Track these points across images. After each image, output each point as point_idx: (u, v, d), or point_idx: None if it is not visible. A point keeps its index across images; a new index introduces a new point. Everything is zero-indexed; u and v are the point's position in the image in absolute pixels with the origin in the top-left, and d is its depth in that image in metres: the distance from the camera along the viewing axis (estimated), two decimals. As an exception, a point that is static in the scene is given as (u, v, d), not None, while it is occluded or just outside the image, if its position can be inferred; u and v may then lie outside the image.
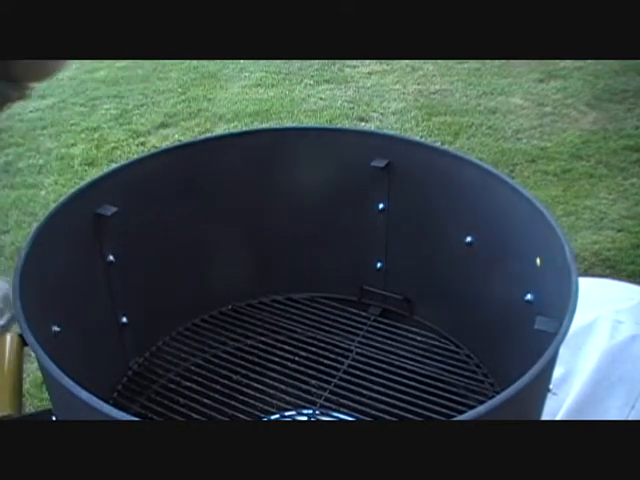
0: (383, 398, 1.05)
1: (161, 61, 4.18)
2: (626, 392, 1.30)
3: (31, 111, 3.62)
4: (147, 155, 1.17)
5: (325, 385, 1.10)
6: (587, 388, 1.32)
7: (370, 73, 3.98)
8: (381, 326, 1.25)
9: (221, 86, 3.87)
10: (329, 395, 1.08)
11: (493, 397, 0.68)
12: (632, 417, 1.28)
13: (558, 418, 1.31)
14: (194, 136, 3.22)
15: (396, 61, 4.08)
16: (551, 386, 0.84)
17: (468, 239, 1.14)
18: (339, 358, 1.16)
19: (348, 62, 4.11)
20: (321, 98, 3.66)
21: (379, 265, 1.29)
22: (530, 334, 0.85)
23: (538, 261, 0.97)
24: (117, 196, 1.09)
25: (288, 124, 3.27)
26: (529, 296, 0.99)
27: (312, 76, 3.95)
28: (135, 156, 1.18)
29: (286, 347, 1.18)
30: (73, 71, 4.15)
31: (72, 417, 0.77)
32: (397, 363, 1.15)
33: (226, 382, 1.09)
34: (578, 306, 0.79)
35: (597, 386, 1.32)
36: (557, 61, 3.94)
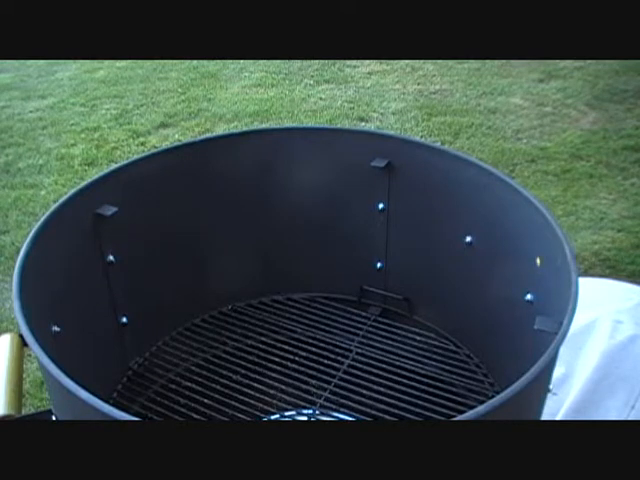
0: (383, 398, 1.05)
1: (161, 61, 4.18)
2: (626, 392, 1.30)
3: (31, 111, 3.62)
4: (147, 155, 1.17)
5: (325, 385, 1.10)
6: (587, 388, 1.32)
7: (370, 73, 3.98)
8: (381, 326, 1.25)
9: (221, 86, 3.87)
10: (329, 395, 1.08)
11: (493, 397, 0.68)
12: (632, 417, 1.28)
13: (558, 418, 1.31)
14: (194, 136, 3.22)
15: (396, 61, 4.08)
16: (551, 386, 0.84)
17: (468, 239, 1.14)
18: (339, 358, 1.16)
19: (348, 62, 4.11)
20: (321, 98, 3.66)
21: (379, 265, 1.29)
22: (530, 334, 0.85)
23: (538, 261, 0.97)
24: (117, 196, 1.09)
25: (288, 124, 3.27)
26: (529, 296, 0.99)
27: (312, 76, 3.95)
28: (135, 156, 1.18)
29: (286, 347, 1.18)
30: (73, 71, 4.15)
31: (72, 417, 0.77)
32: (397, 363, 1.15)
33: (226, 382, 1.09)
34: (578, 306, 0.79)
35: (597, 386, 1.32)
36: (557, 61, 3.94)
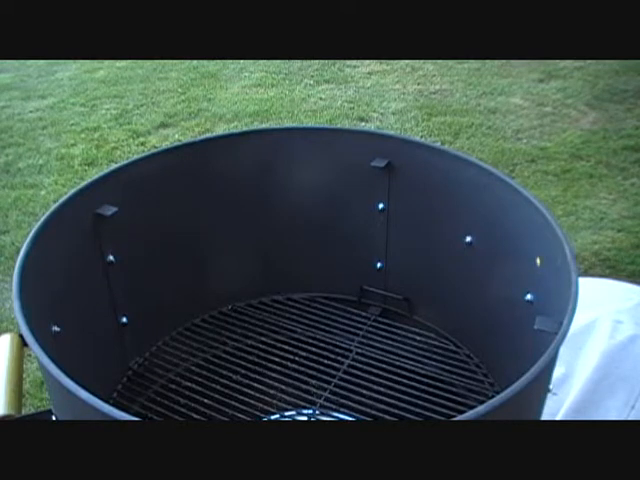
0: (383, 398, 1.05)
1: (161, 61, 4.18)
2: (626, 392, 1.30)
3: (31, 111, 3.62)
4: (147, 155, 1.17)
5: (325, 385, 1.10)
6: (587, 388, 1.32)
7: (370, 73, 3.98)
8: (381, 326, 1.25)
9: (221, 86, 3.87)
10: (329, 395, 1.08)
11: (493, 397, 0.68)
12: (632, 417, 1.28)
13: (558, 418, 1.31)
14: (194, 136, 3.22)
15: (396, 61, 4.08)
16: (551, 386, 0.84)
17: (468, 239, 1.14)
18: (339, 358, 1.16)
19: (348, 62, 4.11)
20: (321, 98, 3.66)
21: (379, 265, 1.29)
22: (530, 334, 0.85)
23: (538, 261, 0.97)
24: (117, 196, 1.08)
25: (288, 124, 3.27)
26: (529, 296, 0.99)
27: (312, 76, 3.95)
28: (135, 156, 1.18)
29: (286, 347, 1.18)
30: (73, 71, 4.15)
31: (72, 417, 0.77)
32: (397, 363, 1.15)
33: (226, 382, 1.09)
34: (578, 306, 0.79)
35: (597, 386, 1.32)
36: (557, 61, 3.94)
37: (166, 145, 1.92)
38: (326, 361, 1.15)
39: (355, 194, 1.25)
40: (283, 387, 1.09)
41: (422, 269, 1.24)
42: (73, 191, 1.04)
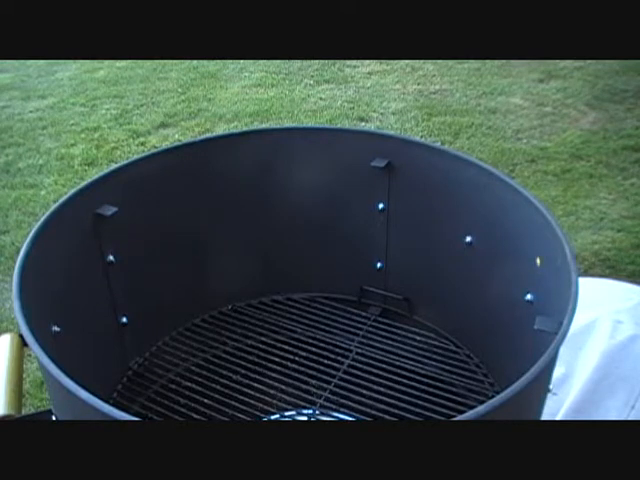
0: (383, 398, 1.05)
1: (161, 61, 4.18)
2: (626, 392, 1.30)
3: (31, 111, 3.62)
4: (147, 155, 1.17)
5: (325, 385, 1.10)
6: (587, 388, 1.32)
7: (370, 73, 3.98)
8: (381, 326, 1.25)
9: (221, 86, 3.87)
10: (329, 395, 1.08)
11: (493, 397, 0.68)
12: (632, 417, 1.28)
13: (558, 418, 1.31)
14: (194, 136, 3.22)
15: (396, 61, 4.08)
16: (551, 386, 0.84)
17: (468, 239, 1.14)
18: (339, 358, 1.16)
19: (348, 62, 4.11)
20: (321, 98, 3.66)
21: (379, 265, 1.29)
22: (530, 334, 0.85)
23: (538, 261, 0.97)
24: (117, 196, 1.08)
25: (288, 124, 3.27)
26: (529, 296, 0.99)
27: (312, 76, 3.95)
28: (135, 156, 1.18)
29: (286, 347, 1.18)
30: (73, 71, 4.15)
31: (72, 417, 0.77)
32: (397, 363, 1.15)
33: (226, 382, 1.09)
34: (578, 306, 0.79)
35: (597, 386, 1.32)
36: (557, 61, 3.94)
37: (166, 145, 1.92)
38: (326, 361, 1.15)
39: (355, 194, 1.25)
40: (283, 387, 1.09)
41: (422, 269, 1.24)
42: (73, 191, 1.04)
